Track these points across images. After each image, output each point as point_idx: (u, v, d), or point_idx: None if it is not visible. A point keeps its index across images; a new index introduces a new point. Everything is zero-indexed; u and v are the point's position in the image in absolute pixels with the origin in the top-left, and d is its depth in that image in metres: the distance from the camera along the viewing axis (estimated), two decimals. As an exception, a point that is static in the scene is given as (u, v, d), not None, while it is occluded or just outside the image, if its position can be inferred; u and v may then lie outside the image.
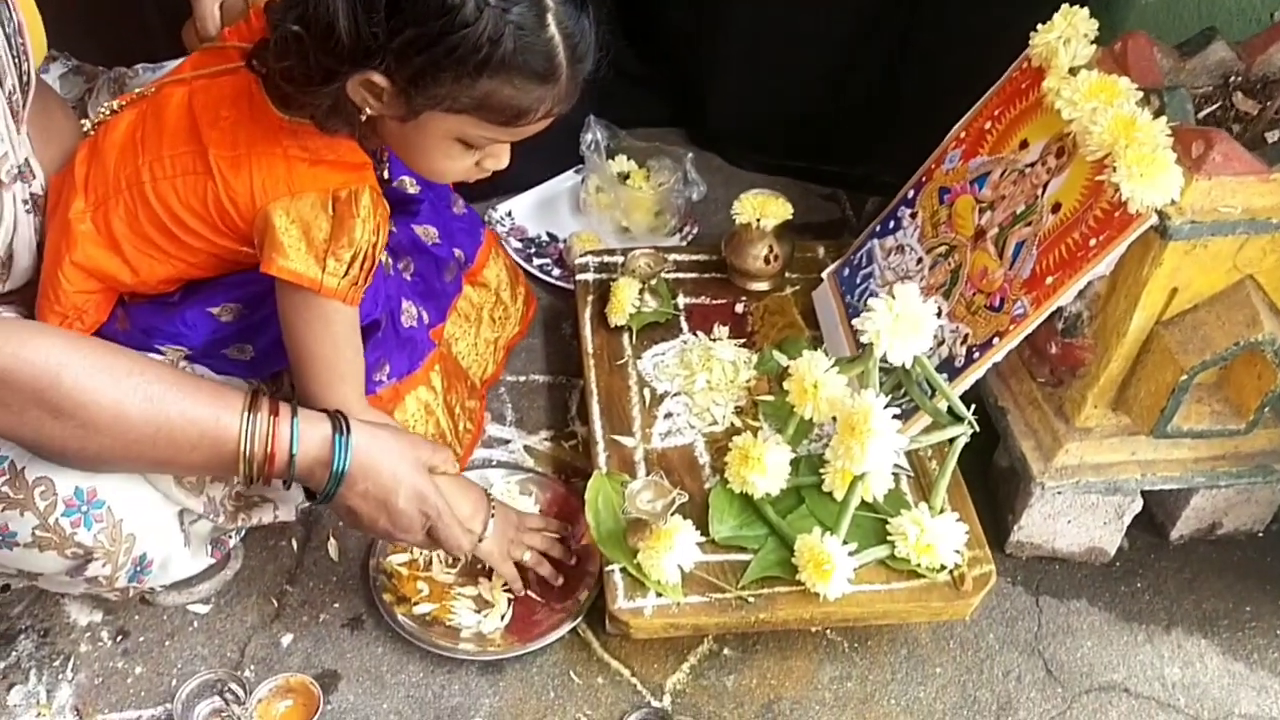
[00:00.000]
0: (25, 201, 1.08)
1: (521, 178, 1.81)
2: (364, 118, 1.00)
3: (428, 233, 1.29)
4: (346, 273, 1.04)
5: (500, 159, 1.08)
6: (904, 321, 1.09)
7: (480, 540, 1.17)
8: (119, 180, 1.06)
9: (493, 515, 1.18)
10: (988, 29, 1.58)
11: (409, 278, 1.28)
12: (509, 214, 1.77)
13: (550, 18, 0.95)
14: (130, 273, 1.09)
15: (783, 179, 1.86)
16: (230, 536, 1.24)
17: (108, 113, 1.13)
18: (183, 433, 0.96)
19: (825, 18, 1.73)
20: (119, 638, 1.23)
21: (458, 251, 1.39)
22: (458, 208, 1.41)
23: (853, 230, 1.81)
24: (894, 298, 1.10)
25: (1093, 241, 1.08)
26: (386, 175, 1.18)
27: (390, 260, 1.23)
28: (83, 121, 1.15)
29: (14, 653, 1.21)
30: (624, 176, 1.76)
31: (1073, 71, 1.15)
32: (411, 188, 1.28)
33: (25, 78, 1.06)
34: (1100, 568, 1.35)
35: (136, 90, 1.13)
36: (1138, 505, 1.29)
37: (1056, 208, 1.14)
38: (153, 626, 1.24)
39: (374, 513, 1.06)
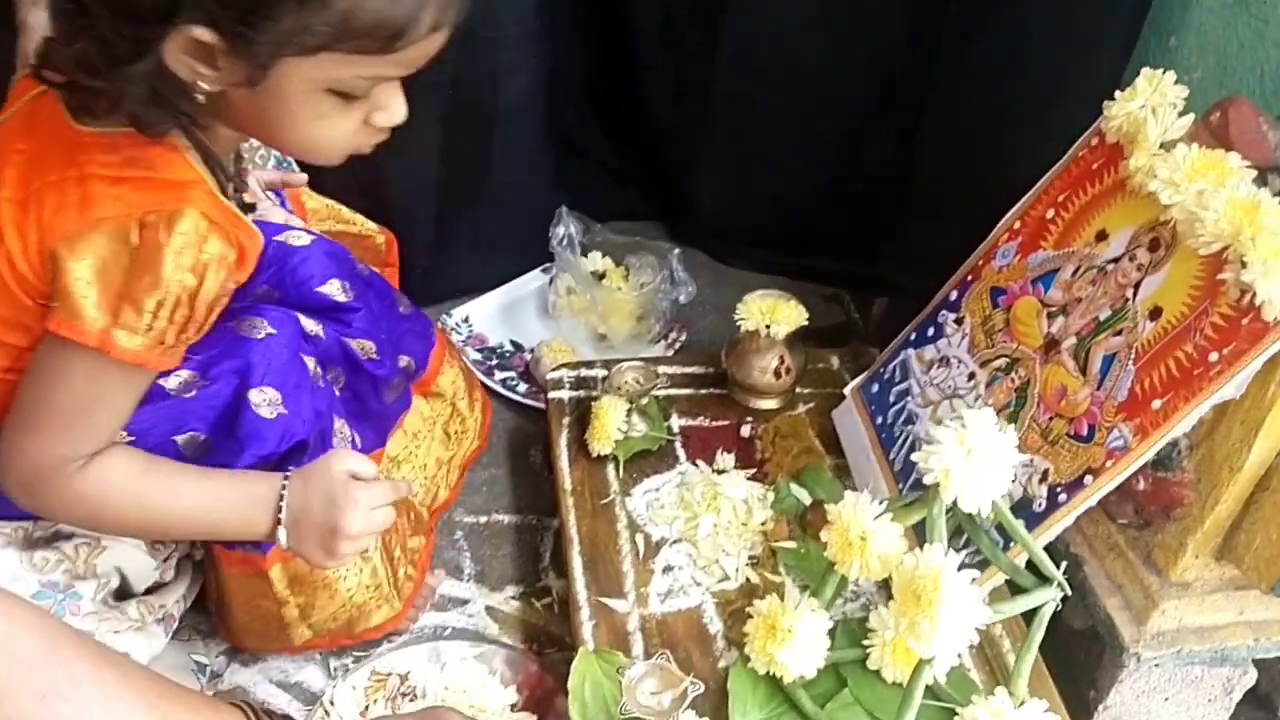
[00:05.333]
0: None
1: (481, 278, 1.58)
2: (200, 97, 0.75)
3: (364, 347, 1.04)
4: (150, 327, 0.78)
5: (392, 109, 0.82)
6: (979, 457, 0.86)
7: None
8: None
9: None
10: (1014, 110, 1.41)
11: (338, 392, 1.02)
12: (466, 320, 1.53)
13: None
14: None
15: (778, 278, 1.65)
16: None
17: None
18: None
19: (826, 98, 1.54)
20: None
21: (405, 360, 1.13)
22: (404, 307, 1.17)
23: (861, 336, 1.59)
24: (963, 426, 0.87)
25: (1214, 356, 0.86)
26: (246, 197, 0.93)
27: (318, 369, 0.97)
28: None
29: None
30: (600, 276, 1.53)
31: (1164, 147, 0.95)
32: (342, 294, 1.03)
33: None
34: (1202, 752, 1.10)
35: None
36: (1250, 678, 1.05)
37: (1156, 313, 0.92)
38: None
39: None
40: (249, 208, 0.93)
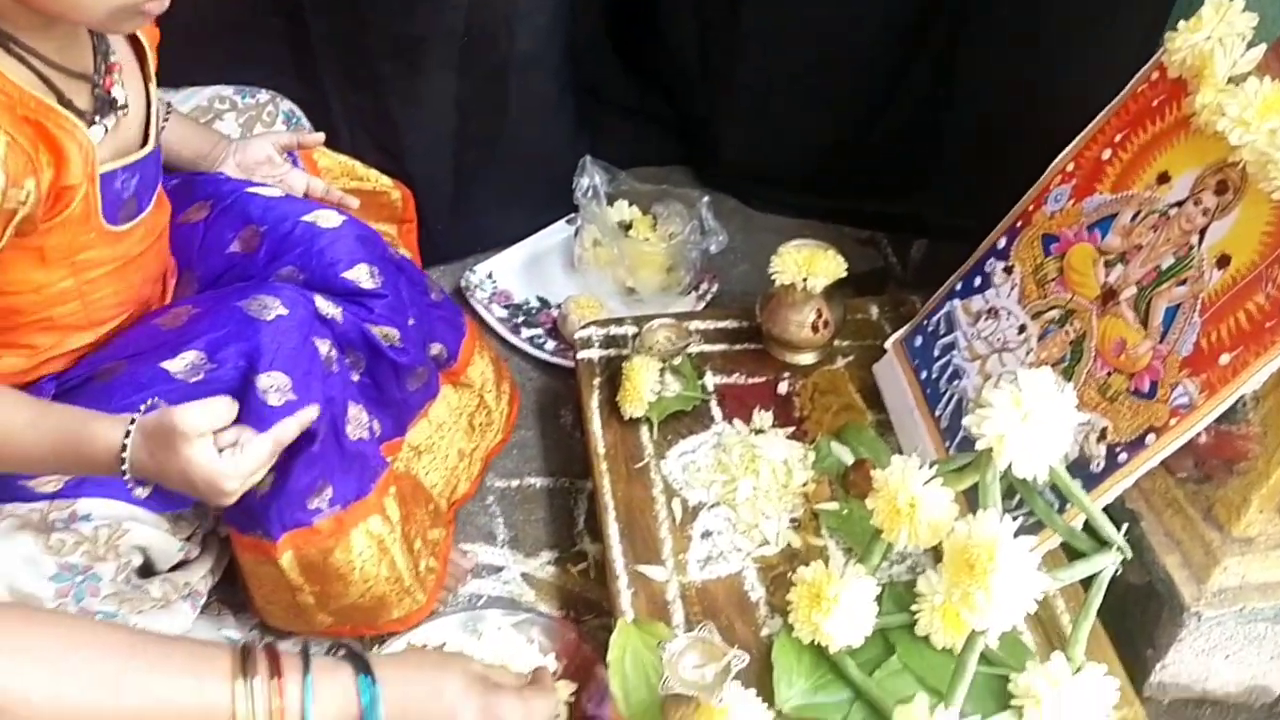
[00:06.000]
0: None
1: (503, 232, 1.53)
2: None
3: (387, 334, 0.99)
4: None
5: None
6: (1036, 421, 0.81)
7: None
8: None
9: None
10: (1055, 40, 1.33)
11: (356, 378, 0.99)
12: (489, 276, 1.49)
13: None
14: None
15: (810, 221, 1.60)
16: None
17: None
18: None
19: (855, 33, 1.47)
20: None
21: (436, 348, 1.09)
22: (435, 294, 1.12)
23: (899, 281, 1.54)
24: (1018, 387, 0.82)
25: (1288, 307, 0.80)
26: (114, 94, 0.84)
27: (333, 352, 0.93)
28: None
29: None
30: (626, 226, 1.48)
31: (1232, 82, 0.88)
32: (369, 280, 0.99)
33: None
34: (1263, 709, 1.06)
35: None
36: (1316, 634, 1.01)
37: (1224, 261, 0.86)
38: None
39: None
40: (110, 104, 0.84)
